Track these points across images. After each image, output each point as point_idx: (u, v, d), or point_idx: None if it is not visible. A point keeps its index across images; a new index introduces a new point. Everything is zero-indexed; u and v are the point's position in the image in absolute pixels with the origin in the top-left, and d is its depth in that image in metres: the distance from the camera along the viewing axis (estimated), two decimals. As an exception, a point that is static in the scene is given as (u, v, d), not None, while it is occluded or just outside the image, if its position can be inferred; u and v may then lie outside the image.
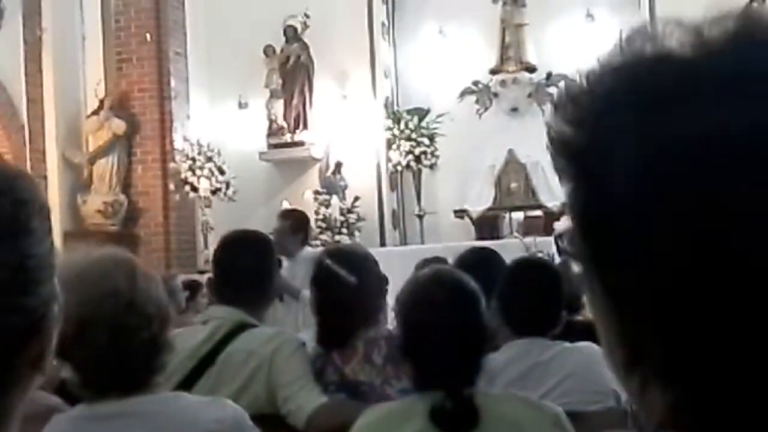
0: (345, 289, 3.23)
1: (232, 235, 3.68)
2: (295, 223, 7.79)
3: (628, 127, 0.68)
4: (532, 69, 13.17)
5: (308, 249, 7.55)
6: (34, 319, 1.01)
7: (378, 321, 3.32)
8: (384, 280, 3.36)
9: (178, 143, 12.49)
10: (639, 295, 0.68)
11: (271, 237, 7.39)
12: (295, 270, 6.69)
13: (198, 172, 12.24)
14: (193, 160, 12.31)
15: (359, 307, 3.23)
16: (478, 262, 4.22)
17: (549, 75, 13.08)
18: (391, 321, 3.85)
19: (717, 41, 0.70)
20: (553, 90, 13.02)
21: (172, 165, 12.32)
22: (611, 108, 0.71)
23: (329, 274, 3.28)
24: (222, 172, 12.42)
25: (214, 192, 12.31)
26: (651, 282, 0.67)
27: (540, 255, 10.54)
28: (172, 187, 12.33)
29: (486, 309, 2.65)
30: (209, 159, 12.39)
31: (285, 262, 6.98)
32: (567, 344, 3.32)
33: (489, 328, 2.67)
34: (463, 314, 2.55)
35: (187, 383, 3.17)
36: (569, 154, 0.72)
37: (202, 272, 11.27)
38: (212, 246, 11.67)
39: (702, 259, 0.65)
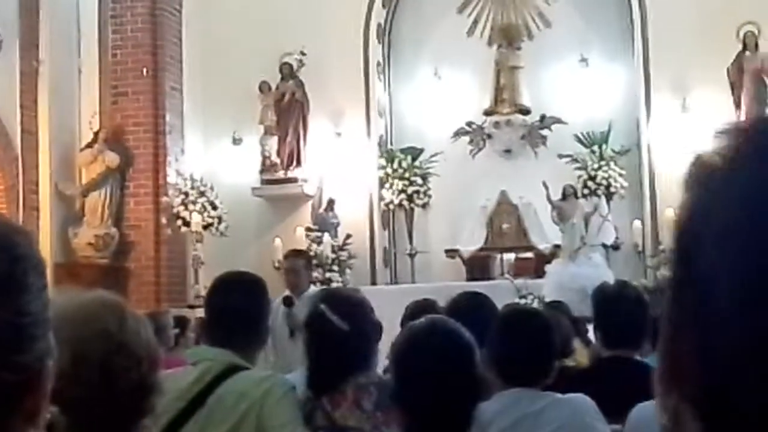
0: (336, 335, 3.23)
1: (225, 275, 3.67)
2: (307, 261, 8.02)
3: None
4: (525, 111, 13.25)
5: (313, 287, 7.77)
6: (29, 375, 1.02)
7: (369, 367, 3.30)
8: (378, 327, 3.35)
9: (172, 177, 12.50)
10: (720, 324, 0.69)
11: (284, 274, 7.70)
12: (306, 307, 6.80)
13: (190, 206, 12.25)
14: (186, 194, 12.33)
15: (350, 353, 3.22)
16: (470, 307, 4.22)
17: (543, 117, 13.18)
18: (382, 367, 3.86)
19: None
20: (546, 132, 13.12)
21: (164, 199, 12.33)
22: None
23: (322, 319, 3.28)
24: (214, 207, 12.43)
25: (206, 227, 12.31)
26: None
27: (531, 296, 10.58)
28: (164, 221, 12.33)
29: (480, 359, 2.66)
30: (202, 194, 12.41)
31: (296, 300, 7.08)
32: (557, 395, 3.31)
33: (483, 379, 2.68)
34: (456, 364, 2.57)
35: (176, 425, 3.15)
36: (708, 173, 0.73)
37: (191, 307, 11.26)
38: (203, 281, 11.69)
39: None
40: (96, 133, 12.16)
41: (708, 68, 11.94)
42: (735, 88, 11.74)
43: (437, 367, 2.54)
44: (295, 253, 8.25)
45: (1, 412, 0.99)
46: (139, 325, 2.18)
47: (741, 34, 11.82)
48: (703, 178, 0.73)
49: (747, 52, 11.80)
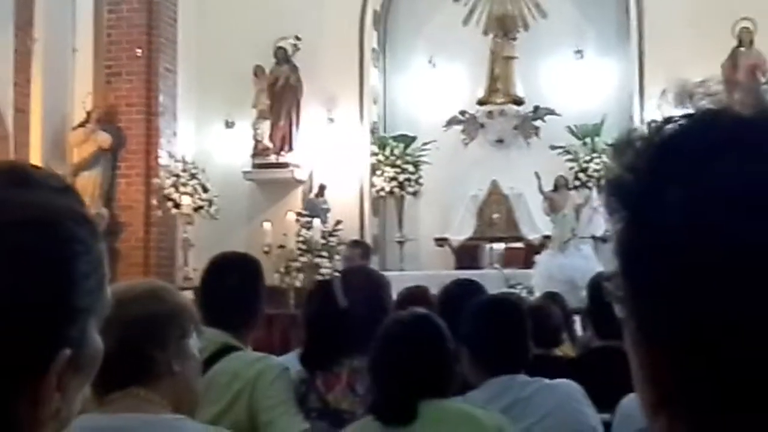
0: (333, 310, 3.24)
1: (221, 256, 3.68)
2: (364, 251, 8.28)
3: (682, 176, 0.71)
4: (519, 102, 13.26)
5: None
6: (39, 360, 1.01)
7: (367, 350, 3.32)
8: (383, 311, 3.35)
9: (164, 159, 12.48)
10: (674, 336, 0.70)
11: (342, 263, 7.94)
12: None
13: (181, 188, 12.23)
14: (177, 176, 12.31)
15: (346, 331, 3.23)
16: (463, 295, 4.23)
17: (536, 108, 13.18)
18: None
19: None
20: (539, 123, 13.13)
21: (155, 180, 12.30)
22: (667, 156, 0.74)
23: (326, 291, 3.30)
24: (205, 190, 12.42)
25: (196, 209, 12.30)
26: (688, 324, 0.70)
27: (520, 286, 10.62)
28: (154, 202, 12.31)
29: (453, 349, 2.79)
30: (193, 176, 12.39)
31: None
32: (546, 381, 3.34)
33: (453, 369, 2.80)
34: (420, 351, 2.67)
35: (169, 403, 3.17)
36: (623, 196, 0.75)
37: (181, 289, 11.23)
38: (192, 263, 11.69)
39: (747, 306, 0.67)
40: (88, 113, 12.12)
41: (703, 63, 11.91)
42: (729, 83, 11.75)
43: (400, 354, 2.68)
44: (353, 243, 8.76)
45: (6, 394, 0.99)
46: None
47: (736, 30, 11.84)
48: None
49: (742, 48, 11.83)
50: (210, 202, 12.44)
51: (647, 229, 0.72)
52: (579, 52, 13.24)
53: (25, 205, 1.01)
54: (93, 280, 1.04)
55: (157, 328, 2.21)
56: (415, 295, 4.85)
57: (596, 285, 4.20)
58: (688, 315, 0.69)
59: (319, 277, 12.00)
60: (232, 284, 3.46)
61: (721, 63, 11.80)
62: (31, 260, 0.99)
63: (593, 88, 13.13)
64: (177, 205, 12.23)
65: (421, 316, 2.85)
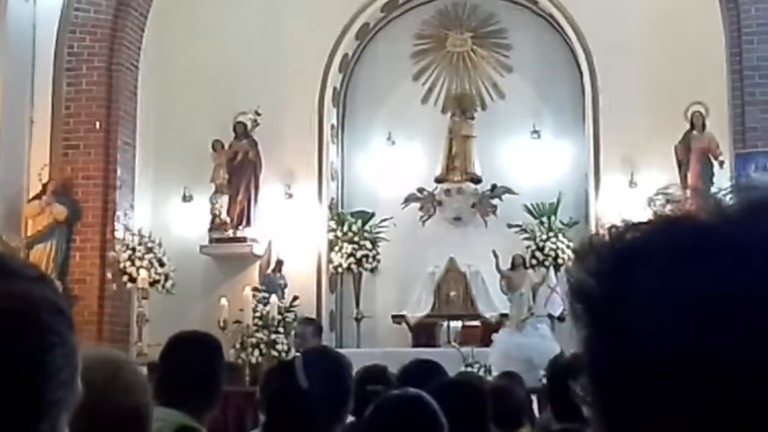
0: (294, 390, 3.20)
1: (181, 334, 3.64)
2: (316, 329, 8.36)
3: (644, 283, 0.72)
4: (477, 180, 13.38)
5: None
6: None
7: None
8: (345, 392, 3.30)
9: (120, 232, 12.37)
10: None
11: (294, 341, 7.93)
12: None
13: (137, 262, 12.11)
14: (134, 250, 12.20)
15: (307, 412, 3.18)
16: (422, 375, 4.21)
17: (493, 187, 13.30)
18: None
19: (734, 211, 0.74)
20: (496, 202, 13.24)
21: (111, 254, 12.18)
22: (629, 264, 0.74)
23: (287, 370, 3.25)
24: (162, 264, 12.31)
25: (152, 284, 12.17)
26: (656, 429, 0.70)
27: (477, 365, 10.59)
28: (109, 276, 12.17)
29: None
30: (150, 250, 12.29)
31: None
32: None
33: None
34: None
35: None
36: (587, 303, 0.75)
37: (134, 365, 11.07)
38: (147, 338, 11.53)
39: (715, 410, 0.68)
40: (45, 185, 12.02)
41: (656, 146, 12.18)
42: (682, 165, 11.96)
43: None
44: (304, 320, 8.91)
45: None
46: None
47: (689, 114, 12.09)
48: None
49: (694, 132, 12.06)
50: (166, 277, 12.32)
51: (612, 337, 0.73)
52: (536, 132, 13.44)
53: (1, 296, 0.99)
54: (66, 373, 1.02)
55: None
56: (374, 374, 4.80)
57: (555, 366, 4.20)
58: (654, 420, 0.70)
59: (275, 353, 11.90)
60: (192, 363, 3.41)
61: (674, 145, 12.01)
62: (6, 352, 0.97)
63: (550, 167, 13.29)
64: (132, 279, 12.10)
65: (415, 396, 2.81)
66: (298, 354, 3.30)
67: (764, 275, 0.70)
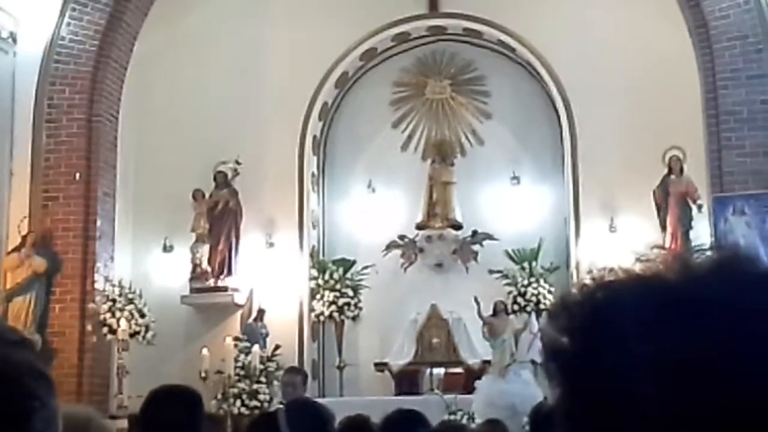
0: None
1: (162, 388, 3.62)
2: (303, 378, 8.38)
3: (614, 343, 0.72)
4: (457, 226, 13.41)
5: None
6: None
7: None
8: None
9: (100, 284, 12.29)
10: None
11: (284, 390, 7.88)
12: None
13: (117, 314, 12.04)
14: (114, 301, 12.12)
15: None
16: (405, 425, 4.18)
17: (474, 233, 13.34)
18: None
19: (700, 270, 0.75)
20: (477, 248, 13.26)
21: (91, 305, 12.09)
22: (600, 323, 0.75)
23: (270, 423, 3.22)
24: (142, 315, 12.23)
25: (132, 335, 12.08)
26: None
27: (460, 412, 10.54)
28: (89, 328, 12.07)
29: None
30: (130, 301, 12.22)
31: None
32: None
33: None
34: None
35: None
36: (560, 362, 0.76)
37: (114, 417, 10.97)
38: (127, 390, 11.42)
39: None
40: (24, 237, 11.95)
41: (635, 190, 12.26)
42: (660, 210, 12.04)
43: None
44: (292, 370, 8.94)
45: None
46: None
47: (666, 159, 12.18)
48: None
49: (672, 176, 12.15)
50: (146, 328, 12.24)
51: (584, 397, 0.74)
52: (516, 178, 13.51)
53: None
54: None
55: None
56: (356, 424, 4.78)
57: (539, 413, 4.19)
58: None
59: (257, 404, 11.81)
60: (173, 417, 3.39)
61: (653, 189, 12.09)
62: None
63: (530, 213, 13.35)
64: (113, 331, 12.01)
65: None
66: (280, 406, 3.27)
67: (725, 335, 0.71)
